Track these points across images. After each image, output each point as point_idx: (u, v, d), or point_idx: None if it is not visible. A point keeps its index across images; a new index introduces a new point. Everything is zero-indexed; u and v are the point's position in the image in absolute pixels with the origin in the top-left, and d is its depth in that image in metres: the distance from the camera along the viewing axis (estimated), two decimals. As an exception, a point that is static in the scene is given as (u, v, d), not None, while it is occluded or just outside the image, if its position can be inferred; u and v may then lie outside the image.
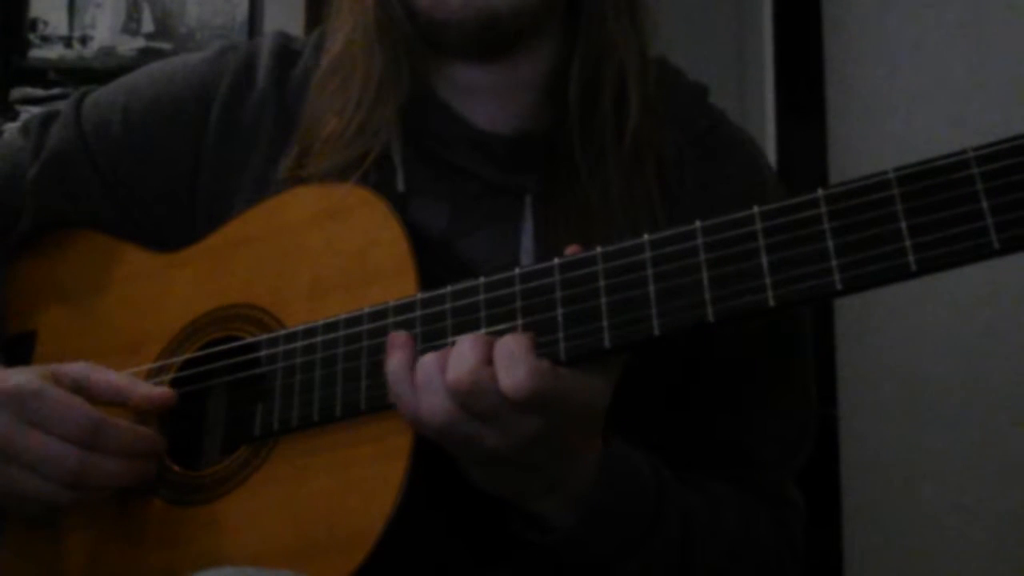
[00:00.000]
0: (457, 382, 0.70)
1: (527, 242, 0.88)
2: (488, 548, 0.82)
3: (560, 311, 0.72)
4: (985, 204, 0.60)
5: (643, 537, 0.81)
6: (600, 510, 0.78)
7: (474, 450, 0.73)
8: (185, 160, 0.98)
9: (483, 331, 0.74)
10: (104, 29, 2.39)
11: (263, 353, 0.84)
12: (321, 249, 0.86)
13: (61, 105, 1.04)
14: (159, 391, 0.85)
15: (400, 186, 0.90)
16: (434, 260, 0.82)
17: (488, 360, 0.70)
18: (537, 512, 0.78)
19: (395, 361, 0.74)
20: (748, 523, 0.89)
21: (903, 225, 0.63)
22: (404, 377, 0.73)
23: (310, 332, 0.82)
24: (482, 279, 0.76)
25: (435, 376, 0.71)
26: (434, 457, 0.75)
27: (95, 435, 0.80)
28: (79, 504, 0.83)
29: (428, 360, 0.72)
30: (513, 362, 0.69)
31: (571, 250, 0.74)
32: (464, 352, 0.70)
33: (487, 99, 0.93)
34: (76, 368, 0.84)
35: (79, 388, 0.83)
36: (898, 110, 1.85)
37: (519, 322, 0.73)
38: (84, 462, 0.79)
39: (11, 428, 0.79)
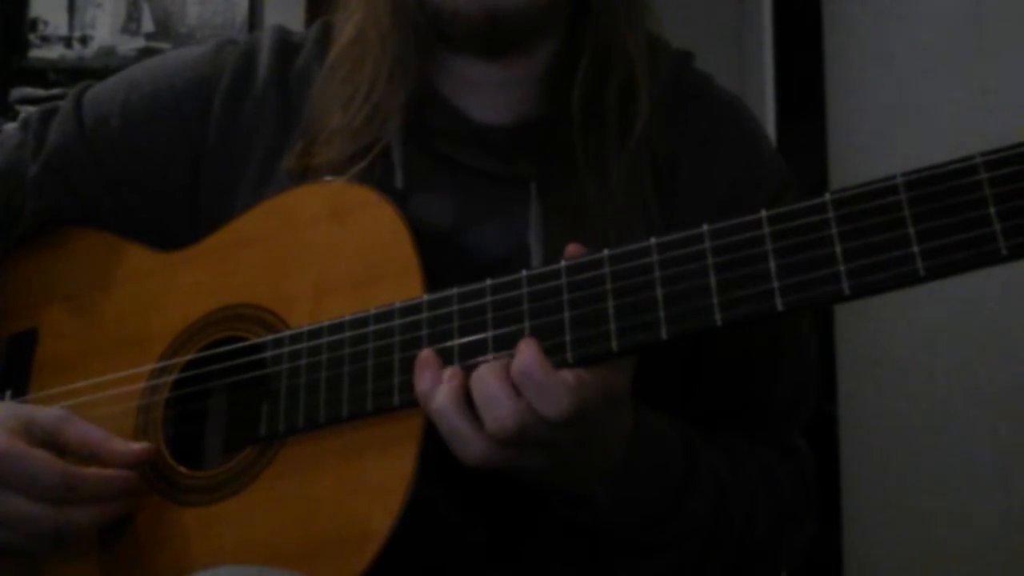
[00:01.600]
0: (501, 430, 0.70)
1: (534, 231, 0.88)
2: (498, 545, 0.83)
3: (567, 314, 0.72)
4: (993, 209, 0.60)
5: (679, 497, 0.82)
6: (635, 478, 0.79)
7: (512, 468, 0.73)
8: (186, 156, 0.97)
9: (489, 334, 0.74)
10: (104, 29, 2.39)
11: (268, 354, 0.84)
12: (326, 249, 0.86)
13: (62, 101, 1.04)
14: (134, 449, 0.84)
15: (399, 182, 0.90)
16: (439, 257, 0.82)
17: (518, 392, 0.70)
18: (575, 492, 0.79)
19: (438, 399, 0.73)
20: (766, 472, 0.91)
21: (911, 230, 0.63)
22: (437, 417, 0.73)
23: (315, 333, 0.82)
24: (489, 281, 0.75)
25: (464, 425, 0.71)
26: (443, 458, 0.74)
27: (67, 490, 0.80)
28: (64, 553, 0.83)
29: (447, 406, 0.72)
30: (543, 387, 0.69)
31: (570, 250, 0.74)
32: (496, 396, 0.70)
33: (488, 93, 0.93)
34: (50, 417, 0.84)
35: (51, 439, 0.82)
36: (898, 110, 1.85)
37: (526, 324, 0.73)
38: (58, 519, 0.79)
39: None
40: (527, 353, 0.71)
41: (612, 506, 0.79)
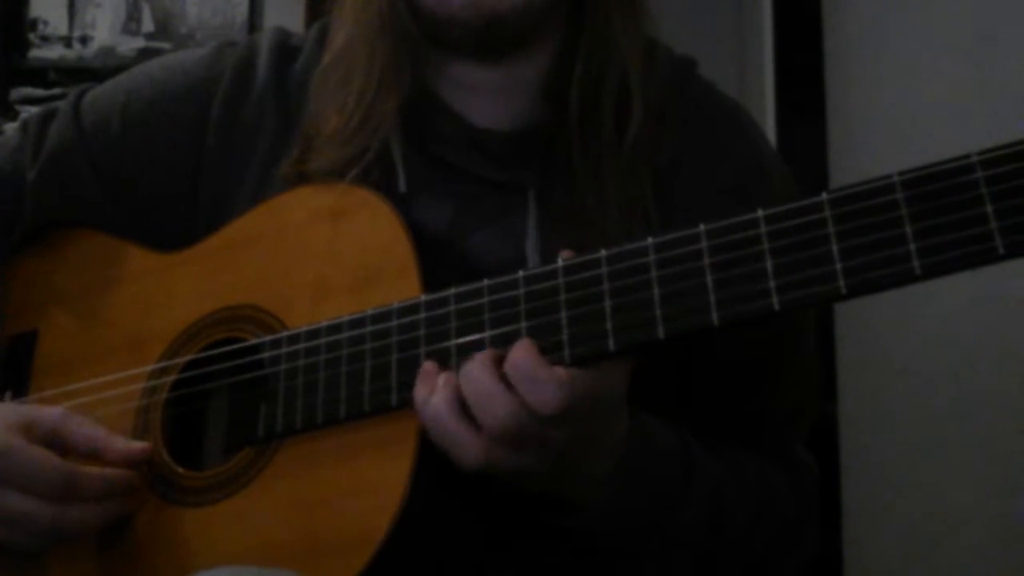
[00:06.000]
0: (499, 427, 0.70)
1: (531, 238, 0.88)
2: (497, 545, 0.83)
3: (564, 314, 0.72)
4: (990, 208, 0.60)
5: (673, 506, 0.82)
6: (629, 485, 0.79)
7: (508, 470, 0.73)
8: (186, 159, 0.97)
9: (487, 334, 0.74)
10: (104, 29, 2.39)
11: (266, 355, 0.84)
12: (324, 250, 0.85)
13: (60, 103, 1.04)
14: (135, 447, 0.84)
15: (402, 186, 0.90)
16: (437, 261, 0.82)
17: (508, 384, 0.70)
18: (567, 498, 0.78)
19: (420, 394, 0.74)
20: (767, 486, 0.90)
21: (908, 229, 0.63)
22: (430, 421, 0.73)
23: (313, 334, 0.82)
24: (486, 281, 0.75)
25: (461, 428, 0.71)
26: (440, 458, 0.74)
27: (67, 488, 0.80)
28: (63, 549, 0.83)
29: (443, 412, 0.71)
30: (536, 381, 0.69)
31: (566, 255, 0.74)
32: (489, 391, 0.70)
33: (487, 98, 0.93)
34: (51, 417, 0.84)
35: (53, 438, 0.83)
36: (898, 110, 1.84)
37: (523, 324, 0.73)
38: (57, 517, 0.80)
39: None
40: (520, 348, 0.71)
41: (603, 514, 0.78)
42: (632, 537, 0.81)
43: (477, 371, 0.71)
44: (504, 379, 0.70)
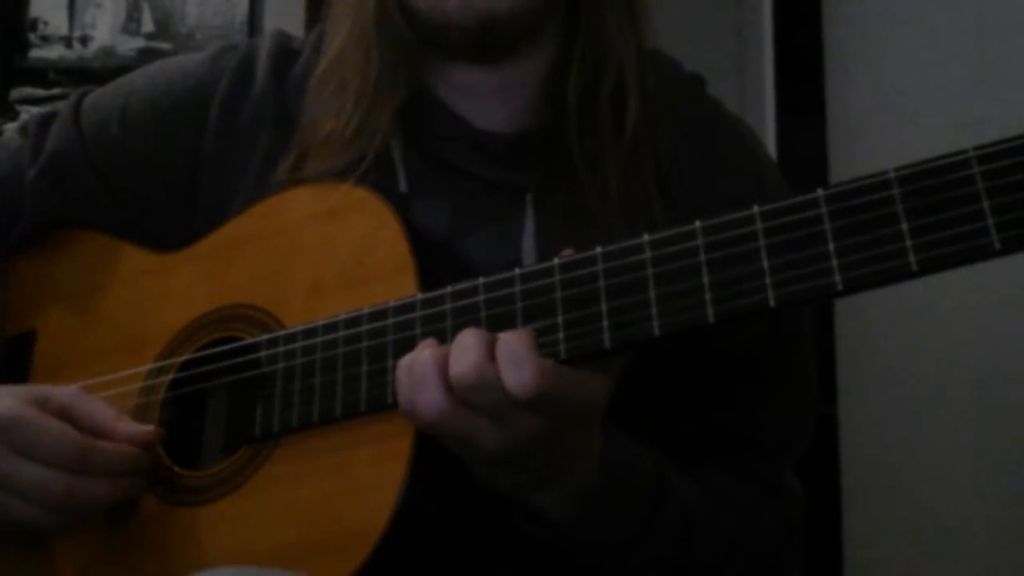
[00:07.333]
0: (462, 376, 0.69)
1: (528, 241, 0.88)
2: (494, 546, 0.82)
3: (560, 311, 0.72)
4: (986, 204, 0.60)
5: (644, 529, 0.81)
6: (600, 503, 0.78)
7: (473, 448, 0.72)
8: (184, 162, 0.97)
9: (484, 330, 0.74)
10: (104, 29, 2.40)
11: (263, 354, 0.84)
12: (320, 249, 0.86)
13: (60, 105, 1.04)
14: (142, 430, 0.84)
15: (402, 186, 0.90)
16: (434, 260, 0.82)
17: (491, 355, 0.69)
18: (537, 507, 0.78)
19: (405, 357, 0.73)
20: (748, 514, 0.89)
21: (904, 225, 0.63)
22: (404, 371, 0.73)
23: (310, 333, 0.82)
24: (482, 279, 0.75)
25: (431, 369, 0.70)
26: (436, 457, 0.74)
27: (81, 460, 0.80)
28: (69, 528, 0.83)
29: (425, 355, 0.71)
30: (518, 361, 0.69)
31: (566, 252, 0.74)
32: (468, 346, 0.70)
33: (486, 99, 0.93)
34: (64, 394, 0.84)
35: (65, 414, 0.83)
36: (898, 109, 1.85)
37: (519, 322, 0.73)
38: (71, 487, 0.79)
39: None
40: (518, 332, 0.71)
41: (575, 528, 0.78)
42: (604, 554, 0.81)
43: (467, 331, 0.71)
44: (490, 348, 0.70)
